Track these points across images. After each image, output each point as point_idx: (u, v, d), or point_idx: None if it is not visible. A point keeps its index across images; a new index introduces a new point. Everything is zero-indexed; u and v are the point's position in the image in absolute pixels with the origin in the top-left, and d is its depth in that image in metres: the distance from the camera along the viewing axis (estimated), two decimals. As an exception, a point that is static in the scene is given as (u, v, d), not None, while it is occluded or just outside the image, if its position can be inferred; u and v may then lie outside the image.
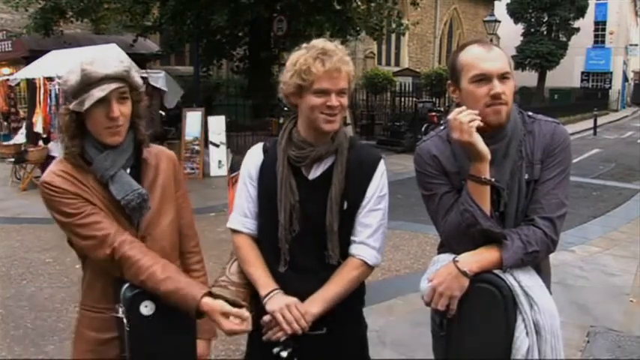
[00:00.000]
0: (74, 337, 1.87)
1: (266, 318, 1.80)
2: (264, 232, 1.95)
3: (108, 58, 1.73)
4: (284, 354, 1.79)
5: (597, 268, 5.86)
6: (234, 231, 1.99)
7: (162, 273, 1.65)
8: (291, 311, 1.77)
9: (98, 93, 1.65)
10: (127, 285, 1.65)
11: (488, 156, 1.71)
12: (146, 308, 1.63)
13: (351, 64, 1.83)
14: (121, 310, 1.63)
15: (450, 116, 1.74)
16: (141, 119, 1.80)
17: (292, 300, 1.80)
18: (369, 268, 1.91)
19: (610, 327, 4.35)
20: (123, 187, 1.72)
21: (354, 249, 1.89)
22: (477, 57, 1.76)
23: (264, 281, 1.87)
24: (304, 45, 1.84)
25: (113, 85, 1.67)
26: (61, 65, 10.20)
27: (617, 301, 4.96)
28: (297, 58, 1.80)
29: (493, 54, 1.76)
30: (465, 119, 1.69)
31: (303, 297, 1.83)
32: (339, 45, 1.84)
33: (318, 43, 1.82)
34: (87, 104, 1.65)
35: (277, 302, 1.80)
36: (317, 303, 1.81)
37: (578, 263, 5.95)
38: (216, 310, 1.60)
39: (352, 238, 1.90)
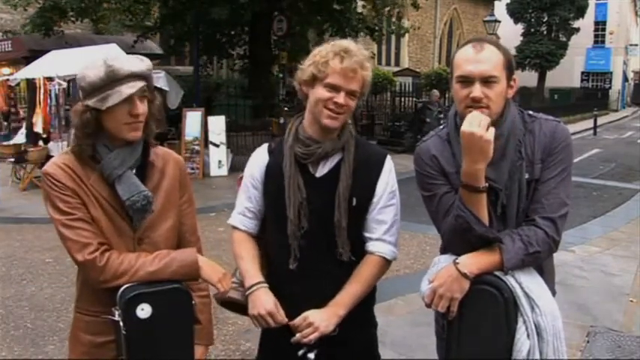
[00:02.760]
0: (70, 340, 1.86)
1: (297, 321, 1.82)
2: (273, 230, 1.96)
3: (129, 56, 1.74)
4: (311, 356, 1.81)
5: (597, 268, 5.86)
6: (234, 227, 2.04)
7: (151, 256, 1.71)
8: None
9: (127, 90, 1.65)
10: (123, 288, 1.64)
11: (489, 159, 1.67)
12: (143, 311, 1.62)
13: (369, 70, 1.85)
14: (117, 313, 1.62)
15: (472, 113, 1.68)
16: (154, 119, 1.80)
17: (273, 298, 1.86)
18: (388, 263, 1.94)
19: (610, 327, 4.35)
20: (129, 188, 1.71)
21: (371, 246, 1.92)
22: (464, 57, 1.75)
23: (251, 274, 1.92)
24: (332, 42, 1.88)
25: (140, 84, 1.67)
26: (61, 65, 10.23)
27: (617, 301, 4.96)
28: (320, 50, 1.84)
29: (481, 55, 1.72)
30: (482, 117, 1.66)
31: (312, 294, 1.85)
32: (364, 50, 1.86)
33: (344, 42, 1.85)
34: (112, 101, 1.63)
35: (262, 297, 1.85)
36: (343, 305, 1.84)
37: (578, 263, 5.95)
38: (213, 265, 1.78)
39: (368, 235, 1.92)
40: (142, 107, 1.70)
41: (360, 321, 1.93)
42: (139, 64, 1.70)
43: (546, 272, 1.80)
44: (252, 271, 1.92)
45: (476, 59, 1.72)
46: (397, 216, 1.96)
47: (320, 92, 1.81)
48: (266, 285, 1.89)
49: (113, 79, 1.64)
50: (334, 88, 1.79)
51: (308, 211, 1.86)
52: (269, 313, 1.83)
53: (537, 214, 1.73)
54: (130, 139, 1.72)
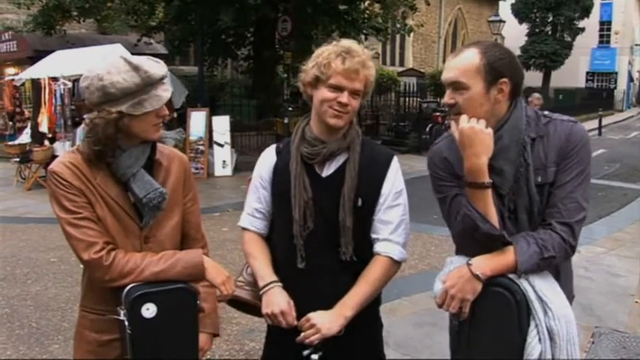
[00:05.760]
0: (75, 338, 1.87)
1: (301, 321, 1.82)
2: (280, 230, 1.97)
3: (143, 57, 1.75)
4: (315, 357, 1.81)
5: (602, 268, 5.85)
6: (243, 228, 2.05)
7: (157, 256, 1.71)
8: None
9: (165, 93, 1.69)
10: (128, 287, 1.64)
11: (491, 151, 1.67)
12: (148, 311, 1.62)
13: (372, 69, 1.85)
14: (122, 312, 1.62)
15: (463, 116, 1.72)
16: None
17: (287, 297, 1.86)
18: (396, 263, 1.92)
19: (615, 328, 4.33)
20: (145, 186, 1.72)
21: (378, 247, 1.90)
22: (444, 65, 1.80)
23: (264, 273, 1.93)
24: (334, 42, 1.88)
25: (168, 86, 1.71)
26: (66, 65, 10.26)
27: (621, 301, 4.94)
28: (322, 51, 1.85)
29: (452, 62, 1.74)
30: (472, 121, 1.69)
31: (319, 294, 1.85)
32: (366, 49, 1.87)
33: (347, 42, 1.86)
34: (151, 106, 1.66)
35: (277, 296, 1.86)
36: (350, 307, 1.83)
37: (583, 264, 5.92)
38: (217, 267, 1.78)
39: (375, 236, 1.91)
40: (166, 108, 1.73)
41: (365, 322, 1.92)
42: (162, 66, 1.73)
43: (563, 276, 1.78)
44: (266, 270, 1.93)
45: (448, 65, 1.76)
46: (405, 216, 1.94)
47: (324, 93, 1.82)
48: (280, 284, 1.89)
49: (149, 83, 1.66)
50: (337, 89, 1.80)
51: (313, 211, 1.86)
52: (282, 313, 1.83)
53: (554, 219, 1.69)
54: (156, 138, 1.76)
